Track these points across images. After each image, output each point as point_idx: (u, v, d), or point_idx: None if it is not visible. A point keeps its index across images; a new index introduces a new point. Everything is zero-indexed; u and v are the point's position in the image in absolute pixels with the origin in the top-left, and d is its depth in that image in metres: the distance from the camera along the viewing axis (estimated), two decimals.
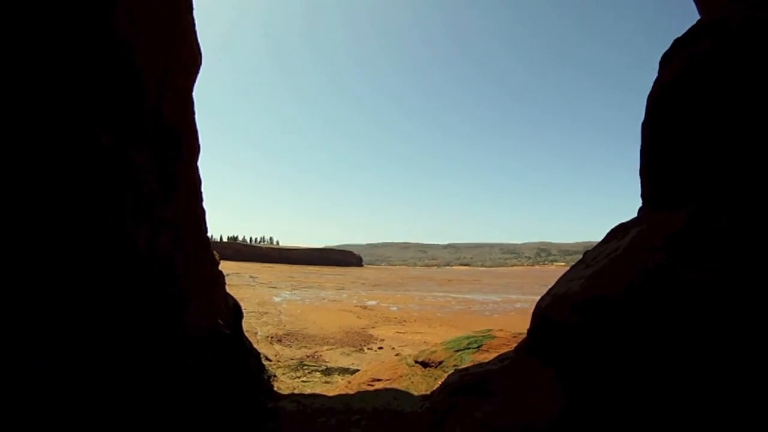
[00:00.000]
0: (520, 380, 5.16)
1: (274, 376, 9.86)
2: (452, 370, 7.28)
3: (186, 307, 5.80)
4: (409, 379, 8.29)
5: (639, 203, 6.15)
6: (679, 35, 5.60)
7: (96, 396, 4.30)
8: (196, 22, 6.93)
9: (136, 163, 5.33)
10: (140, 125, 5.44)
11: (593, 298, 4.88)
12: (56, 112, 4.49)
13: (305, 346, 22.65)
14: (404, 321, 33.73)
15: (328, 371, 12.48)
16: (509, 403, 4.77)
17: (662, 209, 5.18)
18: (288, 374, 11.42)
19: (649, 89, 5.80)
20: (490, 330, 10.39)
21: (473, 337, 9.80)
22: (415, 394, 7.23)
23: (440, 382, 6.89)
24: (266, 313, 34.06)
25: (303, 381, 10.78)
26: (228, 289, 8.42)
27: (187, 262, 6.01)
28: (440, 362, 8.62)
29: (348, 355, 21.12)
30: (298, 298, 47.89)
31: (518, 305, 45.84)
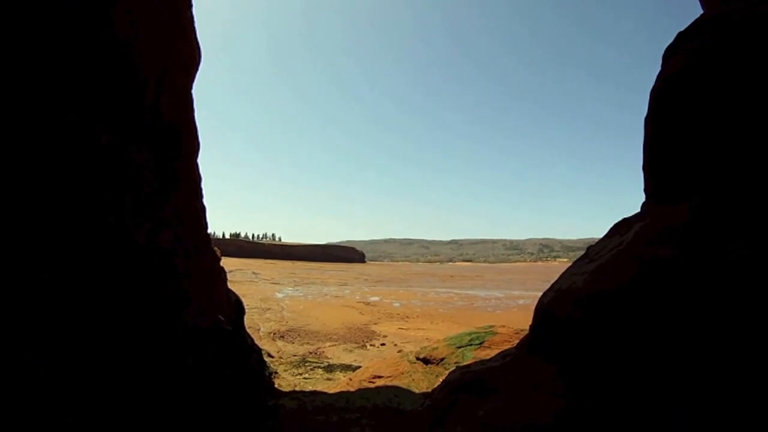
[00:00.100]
0: (521, 377, 5.14)
1: (276, 372, 9.89)
2: (454, 367, 7.27)
3: (186, 305, 5.80)
4: (411, 376, 8.29)
5: (641, 200, 6.11)
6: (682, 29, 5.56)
7: (96, 396, 4.31)
8: (197, 20, 6.90)
9: (135, 163, 5.32)
10: (140, 124, 5.43)
11: (596, 293, 4.85)
12: (56, 112, 4.48)
13: (308, 343, 22.72)
14: (407, 317, 33.80)
15: (330, 368, 12.51)
16: (510, 401, 4.74)
17: (666, 204, 5.14)
18: (290, 371, 11.46)
19: (651, 87, 5.76)
20: (492, 326, 10.38)
21: (475, 333, 9.80)
22: (416, 391, 7.23)
23: (441, 380, 6.87)
24: (269, 309, 34.17)
25: (305, 378, 10.81)
26: (230, 286, 8.42)
27: (188, 260, 6.00)
28: (442, 359, 8.62)
29: (350, 351, 21.18)
30: (301, 294, 48.00)
31: (521, 301, 45.87)
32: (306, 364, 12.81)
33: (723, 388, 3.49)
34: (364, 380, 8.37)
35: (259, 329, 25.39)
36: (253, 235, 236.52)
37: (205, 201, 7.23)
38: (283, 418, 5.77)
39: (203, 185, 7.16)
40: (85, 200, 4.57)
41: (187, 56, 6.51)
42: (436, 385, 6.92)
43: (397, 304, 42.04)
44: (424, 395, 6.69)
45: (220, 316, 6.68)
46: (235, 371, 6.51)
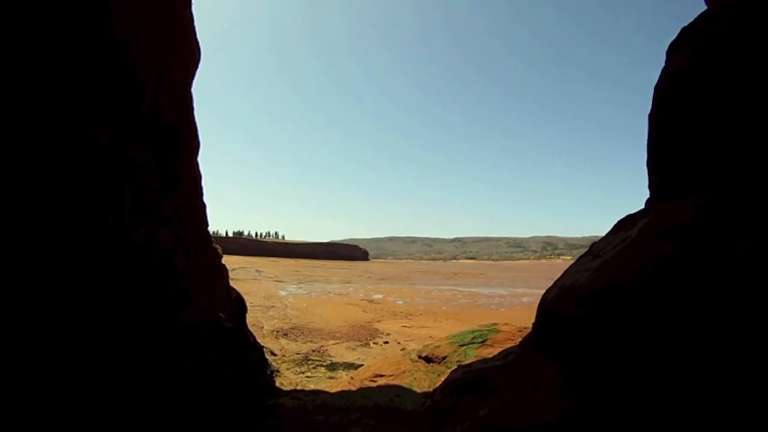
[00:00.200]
0: (523, 377, 5.10)
1: (277, 371, 9.87)
2: (456, 366, 7.23)
3: (187, 304, 5.80)
4: (412, 375, 8.26)
5: (645, 198, 6.06)
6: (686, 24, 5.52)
7: (96, 396, 4.31)
8: (200, 19, 6.89)
9: (135, 162, 5.31)
10: (139, 123, 5.42)
11: (600, 290, 4.78)
12: (56, 112, 4.47)
13: (311, 341, 22.72)
14: (410, 315, 33.76)
15: (332, 366, 12.50)
16: (512, 402, 4.70)
17: (670, 200, 5.09)
18: (292, 369, 11.46)
19: (655, 83, 5.72)
20: (495, 324, 10.34)
21: (478, 331, 9.76)
22: (418, 390, 7.20)
23: (443, 379, 6.84)
24: (272, 306, 34.20)
25: (307, 376, 10.80)
26: (234, 283, 8.42)
27: (188, 258, 6.00)
28: (444, 357, 8.58)
29: (353, 349, 21.16)
30: (304, 291, 48.03)
31: (524, 299, 45.78)
32: (308, 363, 12.81)
33: (725, 384, 3.46)
34: (366, 379, 8.34)
35: (262, 327, 25.42)
36: (256, 234, 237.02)
37: (209, 200, 7.23)
38: (283, 417, 5.75)
39: (207, 184, 7.16)
40: (85, 200, 4.57)
41: (187, 55, 6.50)
42: (437, 385, 6.88)
43: (401, 302, 41.99)
44: (426, 395, 6.66)
45: (221, 314, 6.68)
46: (236, 370, 6.51)
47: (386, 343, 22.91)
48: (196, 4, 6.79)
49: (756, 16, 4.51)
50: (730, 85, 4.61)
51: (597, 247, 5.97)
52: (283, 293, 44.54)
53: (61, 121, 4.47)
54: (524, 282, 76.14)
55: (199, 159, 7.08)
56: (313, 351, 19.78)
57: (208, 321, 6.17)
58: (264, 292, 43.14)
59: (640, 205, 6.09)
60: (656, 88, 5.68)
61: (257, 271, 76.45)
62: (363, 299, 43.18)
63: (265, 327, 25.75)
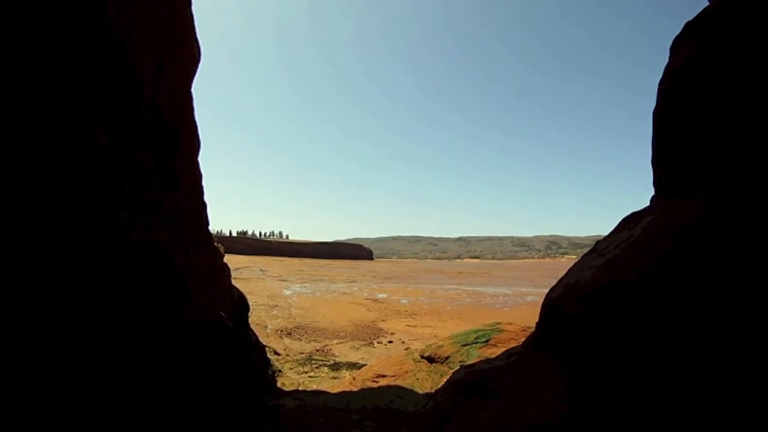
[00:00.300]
0: (526, 378, 5.04)
1: (280, 371, 9.83)
2: (458, 366, 7.18)
3: (186, 301, 5.78)
4: (415, 375, 8.19)
5: (649, 197, 6.00)
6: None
7: (96, 396, 4.29)
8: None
9: (134, 161, 5.30)
10: (138, 123, 5.41)
11: (606, 287, 4.71)
12: (56, 112, 4.46)
13: (315, 340, 22.65)
14: (415, 314, 33.63)
15: (336, 366, 12.44)
16: (514, 405, 4.63)
17: (675, 197, 5.02)
18: (295, 369, 11.42)
19: (658, 85, 5.66)
20: (498, 323, 10.26)
21: (481, 330, 9.69)
22: (420, 391, 7.14)
23: (446, 379, 6.79)
24: (276, 306, 34.15)
25: (310, 376, 10.75)
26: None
27: (187, 256, 5.99)
28: (447, 357, 8.51)
29: (357, 349, 21.07)
30: (309, 291, 47.95)
31: (529, 298, 45.57)
32: (312, 362, 12.76)
33: (726, 381, 3.40)
34: (368, 379, 8.28)
35: (266, 326, 25.37)
36: (260, 233, 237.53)
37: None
38: (283, 418, 5.70)
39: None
40: (85, 200, 4.55)
41: (187, 55, 6.49)
42: (439, 386, 6.83)
43: (405, 301, 41.88)
44: (428, 396, 6.60)
45: (221, 313, 6.66)
46: (236, 370, 6.48)
47: (390, 342, 22.80)
48: (201, 3, 6.77)
49: (756, 14, 4.44)
50: (731, 83, 4.54)
51: (601, 245, 5.90)
52: (287, 292, 44.48)
53: (61, 122, 4.46)
54: (528, 281, 75.80)
55: (204, 159, 7.08)
56: (317, 350, 19.72)
57: (209, 320, 6.15)
58: (268, 292, 43.10)
59: (645, 204, 6.03)
60: (660, 84, 5.61)
61: (261, 270, 76.47)
62: (367, 298, 43.07)
63: (269, 326, 25.68)
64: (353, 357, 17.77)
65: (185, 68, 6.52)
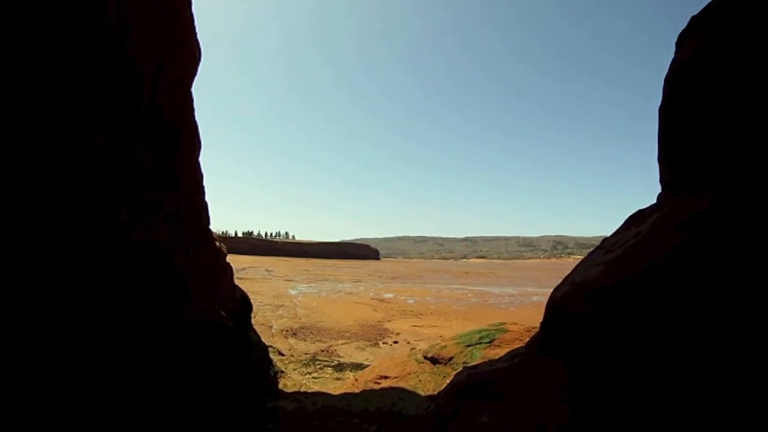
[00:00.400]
0: (529, 381, 4.96)
1: (282, 372, 9.78)
2: (462, 368, 7.12)
3: (185, 301, 5.76)
4: (417, 377, 8.13)
5: (655, 197, 5.91)
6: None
7: (96, 396, 4.29)
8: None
9: (134, 161, 5.29)
10: (138, 123, 5.40)
11: (614, 285, 4.63)
12: (56, 112, 4.46)
13: (320, 340, 22.63)
14: (421, 314, 33.55)
15: (340, 367, 12.38)
16: (516, 408, 4.54)
17: (682, 194, 4.93)
18: (299, 370, 11.38)
19: (664, 80, 5.57)
20: (503, 323, 10.18)
21: (485, 330, 9.62)
22: (422, 393, 7.08)
23: (449, 381, 6.72)
24: (282, 306, 34.16)
25: (314, 377, 10.70)
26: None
27: (186, 255, 5.97)
28: (450, 358, 8.45)
29: (363, 349, 21.01)
30: (315, 291, 47.96)
31: (535, 298, 45.35)
32: (316, 363, 12.71)
33: (729, 379, 3.33)
34: (370, 381, 8.23)
35: (271, 326, 25.38)
36: (266, 234, 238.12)
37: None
38: (282, 420, 5.66)
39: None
40: (85, 200, 4.55)
41: (186, 55, 6.48)
42: (442, 387, 6.76)
43: (411, 301, 41.81)
44: (430, 398, 6.54)
45: (222, 312, 6.63)
46: (236, 370, 6.45)
47: (396, 342, 22.71)
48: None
49: (762, 7, 4.35)
50: (736, 77, 4.45)
51: (608, 243, 5.81)
52: (293, 292, 44.51)
53: (61, 122, 4.45)
54: (534, 281, 75.45)
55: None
56: (322, 351, 19.67)
57: (208, 320, 6.13)
58: (274, 291, 43.15)
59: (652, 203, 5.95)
60: (666, 80, 5.53)
61: (267, 270, 76.62)
62: (373, 298, 43.03)
63: (275, 326, 25.68)
64: (358, 358, 17.72)
65: (185, 68, 6.51)
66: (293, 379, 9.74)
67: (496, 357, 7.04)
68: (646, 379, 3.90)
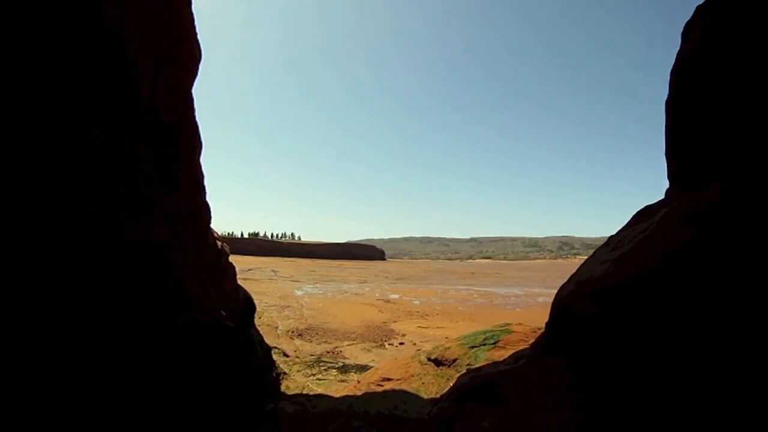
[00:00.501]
0: (534, 383, 4.87)
1: (285, 373, 9.74)
2: (465, 370, 7.04)
3: (184, 300, 5.73)
4: (421, 379, 8.04)
5: (661, 198, 5.82)
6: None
7: (96, 396, 4.27)
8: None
9: (134, 161, 5.27)
10: (138, 123, 5.38)
11: (619, 282, 4.51)
12: (56, 112, 4.45)
13: (326, 341, 22.60)
14: (426, 315, 33.47)
15: (344, 369, 12.33)
16: (520, 412, 4.44)
17: (692, 187, 4.82)
18: (303, 371, 11.34)
19: (670, 72, 5.48)
20: (508, 324, 10.07)
21: (490, 331, 9.51)
22: (425, 396, 7.00)
23: (452, 383, 6.65)
24: (288, 306, 34.16)
25: (318, 379, 10.65)
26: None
27: (186, 255, 5.95)
28: (454, 360, 8.35)
29: (369, 351, 20.95)
30: (320, 291, 47.97)
31: (540, 299, 45.12)
32: (320, 365, 12.67)
33: (734, 378, 3.25)
34: (373, 383, 8.16)
35: (277, 327, 25.40)
36: (272, 235, 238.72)
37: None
38: (281, 423, 5.61)
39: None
40: (85, 200, 4.53)
41: (186, 55, 6.46)
42: (445, 390, 6.68)
43: (417, 302, 41.72)
44: (432, 401, 6.45)
45: (222, 312, 6.60)
46: (236, 371, 6.40)
47: (401, 344, 22.62)
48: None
49: None
50: (738, 68, 4.35)
51: (615, 240, 5.70)
52: (299, 293, 44.53)
53: (61, 122, 4.45)
54: (540, 282, 75.11)
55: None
56: (328, 352, 19.64)
57: (208, 319, 6.10)
58: (279, 292, 43.19)
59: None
60: (672, 72, 5.41)
61: (273, 271, 76.78)
62: (379, 299, 42.97)
63: (280, 327, 25.70)
64: (364, 359, 17.67)
65: (185, 68, 6.50)
66: (296, 381, 9.69)
67: (501, 358, 6.95)
68: (652, 378, 3.82)
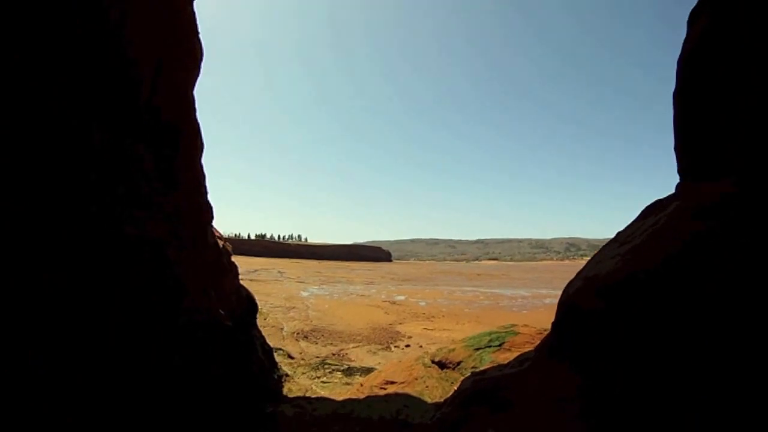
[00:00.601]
0: (539, 387, 4.75)
1: (288, 375, 9.66)
2: (470, 372, 6.93)
3: (182, 300, 5.69)
4: (424, 382, 7.92)
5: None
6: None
7: (96, 396, 4.24)
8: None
9: (134, 161, 5.25)
10: (138, 123, 5.36)
11: (628, 277, 4.35)
12: (56, 112, 4.44)
13: (331, 343, 22.50)
14: (432, 317, 33.31)
15: (349, 371, 12.24)
16: (524, 417, 4.33)
17: (703, 180, 4.69)
18: (307, 374, 11.26)
19: (677, 62, 5.34)
20: (513, 325, 9.95)
21: (495, 333, 9.39)
22: (428, 400, 6.89)
23: (456, 387, 6.53)
24: (293, 308, 34.12)
25: (322, 381, 10.57)
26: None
27: (186, 254, 5.92)
28: (458, 363, 8.23)
29: (374, 353, 20.80)
30: (326, 293, 47.89)
31: (547, 300, 44.78)
32: (325, 367, 12.59)
33: (739, 379, 3.15)
34: (375, 386, 8.05)
35: (282, 329, 25.33)
36: (279, 236, 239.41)
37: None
38: (280, 427, 5.52)
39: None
40: (85, 200, 4.51)
41: (187, 55, 6.44)
42: (449, 394, 6.56)
43: (423, 303, 41.55)
44: (436, 406, 6.31)
45: (221, 311, 6.54)
46: (234, 372, 6.33)
47: (407, 346, 22.43)
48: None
49: None
50: (746, 57, 4.23)
51: (623, 234, 5.56)
52: (304, 294, 44.44)
53: (61, 121, 4.43)
54: (547, 283, 74.58)
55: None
56: (333, 354, 19.51)
57: (206, 319, 6.05)
58: (285, 293, 43.12)
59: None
60: (679, 62, 5.26)
61: (279, 272, 76.78)
62: (385, 300, 42.82)
63: (285, 328, 25.62)
64: (370, 362, 17.55)
65: (185, 68, 6.48)
66: (299, 383, 9.60)
67: (506, 361, 6.84)
68: (659, 376, 3.71)
